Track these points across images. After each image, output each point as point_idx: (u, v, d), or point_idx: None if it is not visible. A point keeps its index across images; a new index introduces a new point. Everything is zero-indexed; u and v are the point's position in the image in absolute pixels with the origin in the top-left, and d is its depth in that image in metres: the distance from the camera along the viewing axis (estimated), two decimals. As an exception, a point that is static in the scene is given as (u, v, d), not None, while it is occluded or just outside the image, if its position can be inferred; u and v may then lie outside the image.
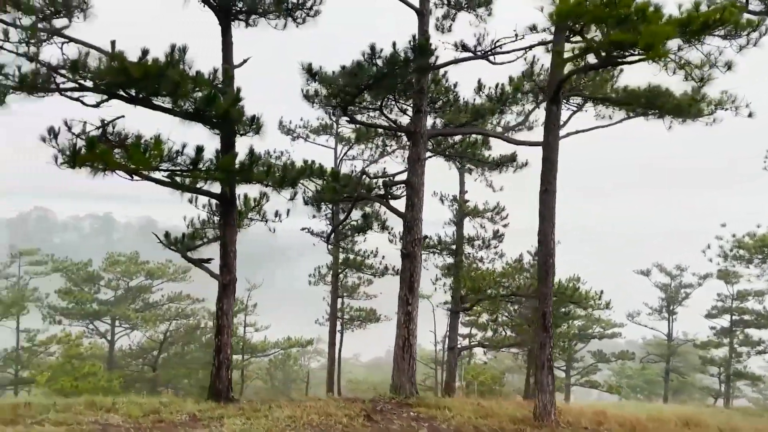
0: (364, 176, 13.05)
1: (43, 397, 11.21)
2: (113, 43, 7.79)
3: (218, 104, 8.64)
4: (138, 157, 7.76)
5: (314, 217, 28.02)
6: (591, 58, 10.58)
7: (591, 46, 8.27)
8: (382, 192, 13.99)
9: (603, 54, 8.23)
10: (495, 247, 24.60)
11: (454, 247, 24.60)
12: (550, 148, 10.10)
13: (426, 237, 20.56)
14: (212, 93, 8.49)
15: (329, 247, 26.42)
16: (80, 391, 29.72)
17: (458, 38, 13.19)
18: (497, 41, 12.20)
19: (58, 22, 9.10)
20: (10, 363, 33.96)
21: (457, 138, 17.84)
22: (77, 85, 8.77)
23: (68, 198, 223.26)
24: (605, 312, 30.90)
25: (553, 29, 11.24)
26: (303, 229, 24.51)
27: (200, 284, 43.16)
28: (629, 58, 7.99)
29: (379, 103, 12.90)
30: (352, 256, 24.41)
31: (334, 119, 26.55)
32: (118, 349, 40.00)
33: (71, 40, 9.28)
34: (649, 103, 10.45)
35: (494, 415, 10.75)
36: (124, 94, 8.97)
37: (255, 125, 9.58)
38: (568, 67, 10.25)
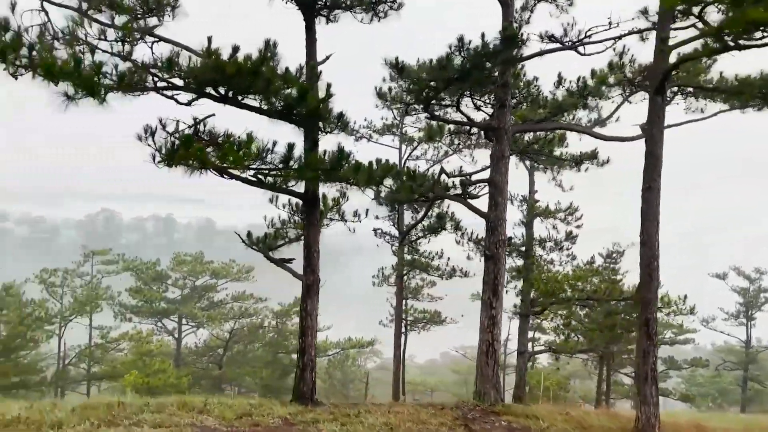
0: (442, 175, 12.60)
1: (133, 396, 11.30)
2: (210, 38, 7.67)
3: (310, 101, 8.41)
4: (233, 156, 7.61)
5: (378, 217, 27.97)
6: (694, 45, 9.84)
7: (709, 30, 7.59)
8: (459, 191, 13.54)
9: (725, 38, 7.53)
10: (567, 249, 23.68)
11: (523, 248, 23.84)
12: (654, 141, 9.41)
13: (511, 238, 19.97)
14: (304, 90, 8.26)
15: (393, 248, 26.12)
16: (151, 387, 30.63)
17: (536, 30, 12.65)
18: (588, 30, 11.55)
19: (149, 22, 9.10)
20: (84, 359, 35.25)
21: (531, 135, 17.20)
22: (168, 84, 8.72)
23: (132, 200, 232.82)
24: (686, 318, 29.33)
25: (652, 16, 10.56)
26: (376, 230, 24.32)
27: (263, 284, 43.89)
28: (765, 40, 7.25)
29: (456, 99, 12.47)
30: (417, 258, 24.00)
31: (398, 119, 26.27)
32: (185, 346, 41.05)
33: (161, 39, 9.27)
34: (765, 93, 9.55)
35: (590, 428, 10.13)
36: (215, 93, 8.87)
37: (341, 122, 9.31)
38: (672, 56, 9.53)
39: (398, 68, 9.77)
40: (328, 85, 8.70)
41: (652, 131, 9.47)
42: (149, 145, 7.89)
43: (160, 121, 8.09)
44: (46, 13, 8.37)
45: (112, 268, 40.64)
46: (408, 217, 25.55)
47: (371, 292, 37.54)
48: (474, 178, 14.23)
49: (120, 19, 8.74)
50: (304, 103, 8.49)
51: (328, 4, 10.62)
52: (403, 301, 26.02)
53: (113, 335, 35.45)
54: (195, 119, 8.44)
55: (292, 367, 38.55)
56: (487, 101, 13.89)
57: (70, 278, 35.76)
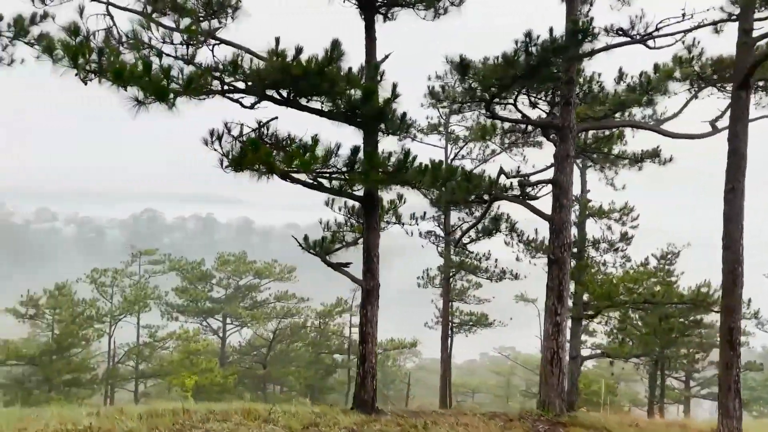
0: (501, 175, 12.18)
1: (195, 402, 11.25)
2: (278, 39, 7.46)
3: (375, 102, 8.14)
4: (300, 160, 7.39)
5: (423, 218, 27.58)
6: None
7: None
8: (516, 192, 13.09)
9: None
10: (622, 251, 22.87)
11: (575, 250, 23.13)
12: (738, 139, 8.83)
13: (574, 240, 19.36)
14: (370, 91, 7.98)
15: (439, 249, 25.75)
16: (199, 386, 31.01)
17: (597, 24, 12.10)
18: (660, 23, 10.96)
19: (211, 24, 8.97)
20: (132, 357, 35.92)
21: (590, 132, 16.61)
22: (229, 87, 8.58)
23: (175, 200, 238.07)
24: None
25: (729, 6, 9.93)
26: (429, 232, 24.03)
27: (305, 283, 44.01)
28: None
29: (514, 97, 12.04)
30: (465, 259, 23.55)
31: (444, 118, 25.86)
32: (228, 345, 41.51)
33: (222, 41, 9.13)
34: None
35: (668, 442, 9.58)
36: (277, 96, 8.69)
37: (404, 124, 9.01)
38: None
39: (462, 66, 9.41)
40: (394, 85, 8.41)
41: (736, 128, 8.88)
42: (215, 150, 7.74)
43: (226, 125, 7.94)
44: (111, 17, 8.32)
45: (159, 268, 41.29)
46: (453, 217, 25.17)
47: (412, 293, 37.20)
48: (533, 178, 13.71)
49: (183, 22, 8.63)
50: (369, 104, 8.21)
51: (387, 1, 10.34)
52: (450, 303, 25.56)
53: (161, 334, 36.02)
54: (259, 122, 8.27)
55: (334, 368, 38.60)
56: (544, 98, 13.43)
57: (119, 278, 36.48)
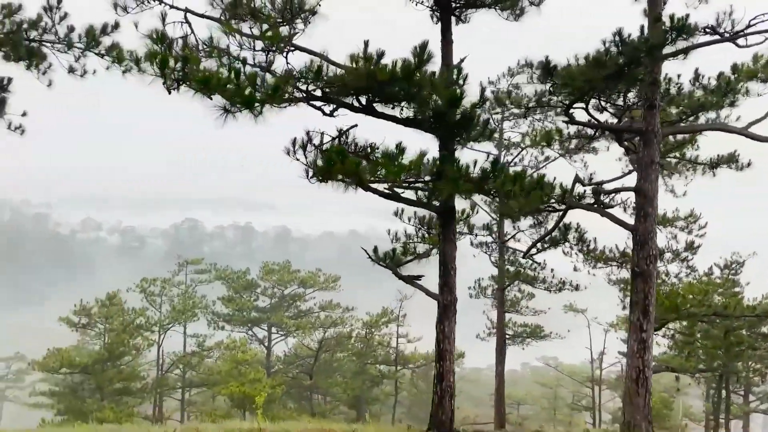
0: (576, 183, 11.57)
1: (264, 419, 10.94)
2: (366, 42, 7.11)
3: (460, 108, 7.70)
4: (388, 169, 7.00)
5: (474, 227, 26.99)
6: None
7: None
8: (590, 201, 12.44)
9: None
10: (688, 260, 21.82)
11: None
12: None
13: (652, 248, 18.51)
14: (456, 96, 7.55)
15: (492, 258, 25.08)
16: (248, 397, 30.92)
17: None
18: (753, 19, 10.25)
19: (285, 30, 8.69)
20: (179, 366, 36.19)
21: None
22: (309, 95, 8.26)
23: (213, 209, 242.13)
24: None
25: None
26: (482, 243, 23.46)
27: (347, 292, 43.75)
28: None
29: (587, 101, 11.43)
30: (521, 269, 22.84)
31: (498, 123, 25.22)
32: (273, 355, 41.50)
33: (297, 47, 8.84)
34: None
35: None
36: (355, 103, 8.34)
37: (487, 130, 8.53)
38: None
39: (547, 68, 8.89)
40: (482, 90, 7.98)
41: None
42: (297, 159, 7.41)
43: (308, 133, 7.61)
44: (189, 25, 8.10)
45: (205, 277, 41.64)
46: (507, 226, 24.50)
47: (460, 303, 36.48)
48: (607, 186, 13.04)
49: (259, 29, 8.37)
50: (455, 110, 7.77)
51: (462, 3, 9.92)
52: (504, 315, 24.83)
53: (208, 344, 36.19)
54: (339, 130, 7.92)
55: (380, 378, 38.08)
56: (613, 102, 12.78)
57: (167, 287, 36.85)
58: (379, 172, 7.26)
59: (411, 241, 11.17)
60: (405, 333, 35.26)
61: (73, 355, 31.08)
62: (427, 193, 9.04)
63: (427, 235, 10.98)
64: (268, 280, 41.94)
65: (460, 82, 8.48)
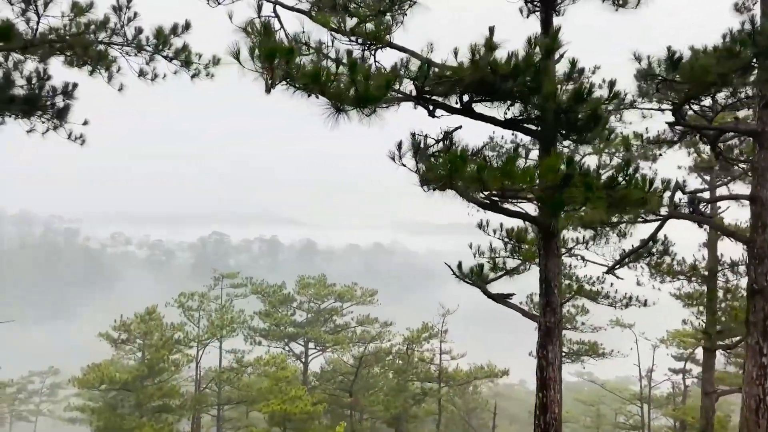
0: (677, 191, 10.55)
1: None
2: (492, 29, 6.25)
3: (583, 105, 6.79)
4: (516, 175, 6.12)
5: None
6: None
7: None
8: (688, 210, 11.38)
9: None
10: (764, 273, 20.40)
11: (705, 273, 20.89)
12: None
13: (704, 261, 17.30)
14: (583, 91, 6.64)
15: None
16: (288, 414, 30.10)
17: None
18: None
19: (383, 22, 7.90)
20: (218, 382, 35.51)
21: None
22: (401, 95, 7.43)
23: (239, 223, 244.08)
24: None
25: None
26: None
27: (384, 307, 42.79)
28: None
29: (683, 99, 10.41)
30: (585, 285, 21.66)
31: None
32: (310, 371, 40.65)
33: (390, 44, 8.04)
34: None
35: None
36: (454, 103, 7.49)
37: (606, 130, 7.59)
38: None
39: (673, 60, 7.93)
40: (611, 83, 7.04)
41: None
42: (404, 165, 6.57)
43: (413, 135, 6.77)
44: (278, 18, 7.36)
45: (240, 291, 41.08)
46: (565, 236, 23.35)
47: (504, 317, 35.31)
48: (701, 194, 11.94)
49: (351, 23, 7.59)
50: (577, 108, 6.86)
51: (568, -6, 9.04)
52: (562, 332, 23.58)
53: (247, 359, 35.49)
54: (445, 132, 7.07)
55: (421, 396, 36.87)
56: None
57: (206, 302, 36.35)
58: (505, 181, 6.36)
59: (497, 255, 10.22)
60: (448, 349, 34.12)
61: (112, 371, 30.61)
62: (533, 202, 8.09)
63: (516, 249, 10.02)
64: (305, 294, 41.26)
65: (575, 76, 7.60)
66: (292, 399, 30.26)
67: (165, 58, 9.73)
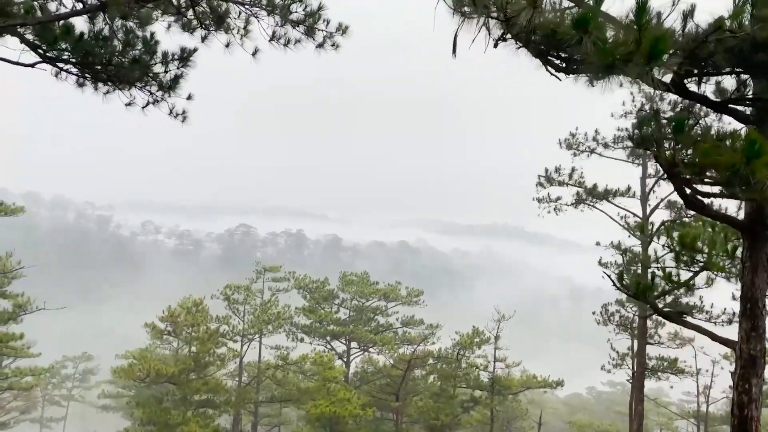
0: None
1: None
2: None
3: None
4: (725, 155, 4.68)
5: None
6: None
7: None
8: None
9: None
10: None
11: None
12: None
13: None
14: None
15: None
16: (336, 417, 28.92)
17: None
18: None
19: None
20: (262, 379, 34.55)
21: None
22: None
23: (266, 216, 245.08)
24: None
25: None
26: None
27: (432, 309, 41.36)
28: None
29: None
30: (676, 297, 19.96)
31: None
32: (353, 372, 39.48)
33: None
34: None
35: None
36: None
37: None
38: None
39: None
40: None
41: None
42: (648, 150, 5.16)
43: (657, 112, 5.34)
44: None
45: (283, 285, 40.03)
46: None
47: (527, 319, 33.65)
48: None
49: None
50: None
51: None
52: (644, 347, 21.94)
53: (292, 356, 34.44)
54: (689, 109, 5.64)
55: (470, 403, 35.41)
56: None
57: (251, 295, 35.38)
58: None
59: (664, 266, 8.72)
60: (504, 357, 32.59)
61: (159, 363, 29.77)
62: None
63: (692, 260, 8.52)
64: (348, 291, 40.10)
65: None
66: (341, 401, 29.10)
67: (291, 22, 8.45)
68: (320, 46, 8.78)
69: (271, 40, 8.00)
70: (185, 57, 8.17)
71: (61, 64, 8.51)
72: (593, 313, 24.43)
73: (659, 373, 23.71)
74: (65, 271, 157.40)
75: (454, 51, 5.45)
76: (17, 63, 7.81)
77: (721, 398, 39.99)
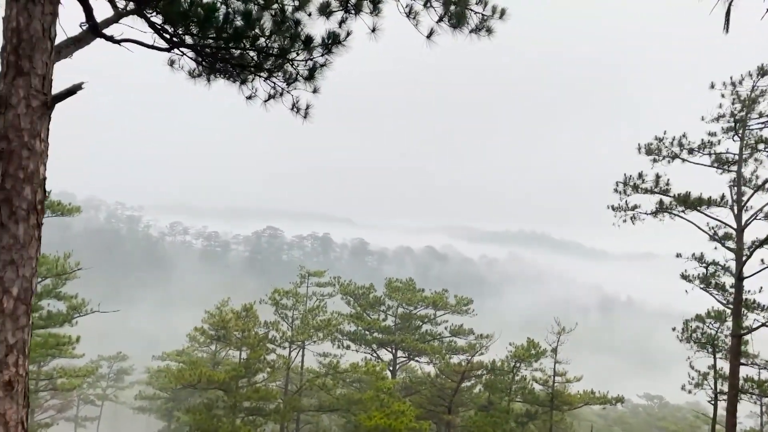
0: None
1: None
2: None
3: None
4: None
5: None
6: None
7: None
8: None
9: None
10: None
11: None
12: None
13: None
14: None
15: (722, 298, 20.90)
16: (393, 430, 27.86)
17: None
18: None
19: None
20: (312, 387, 33.65)
21: None
22: None
23: (293, 220, 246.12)
24: None
25: None
26: (706, 275, 19.40)
27: (483, 319, 40.09)
28: None
29: None
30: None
31: (728, 132, 21.19)
32: (400, 381, 38.42)
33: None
34: None
35: None
36: None
37: None
38: None
39: None
40: None
41: None
42: None
43: None
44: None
45: (327, 291, 39.17)
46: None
47: (596, 337, 32.12)
48: None
49: None
50: None
51: None
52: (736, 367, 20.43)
53: (333, 363, 33.51)
54: None
55: (525, 418, 34.06)
56: None
57: (300, 301, 34.59)
58: None
59: None
60: (564, 371, 31.18)
61: (209, 369, 29.10)
62: None
63: None
64: (395, 299, 39.12)
65: None
66: (395, 413, 28.04)
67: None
68: (476, 31, 7.79)
69: (439, 20, 6.99)
70: (333, 42, 7.23)
71: (185, 50, 7.67)
72: (673, 329, 23.01)
73: (743, 395, 22.15)
74: (96, 272, 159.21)
75: (726, 27, 4.42)
76: (153, 47, 6.95)
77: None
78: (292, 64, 7.62)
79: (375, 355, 38.65)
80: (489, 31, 7.85)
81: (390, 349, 38.69)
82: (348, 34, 7.10)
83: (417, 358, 39.59)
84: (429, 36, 6.90)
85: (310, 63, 7.70)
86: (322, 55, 7.45)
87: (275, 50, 7.01)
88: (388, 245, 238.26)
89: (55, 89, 4.74)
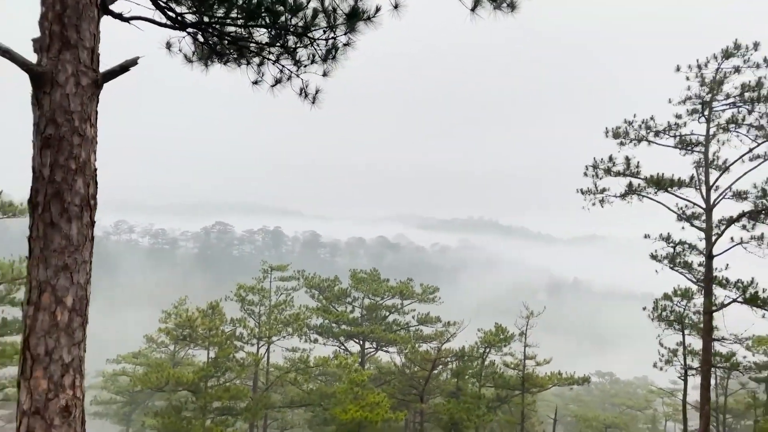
0: None
1: None
2: None
3: None
4: None
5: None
6: None
7: None
8: None
9: None
10: None
11: None
12: None
13: None
14: None
15: (695, 276, 21.52)
16: (368, 422, 27.62)
17: None
18: None
19: None
20: (284, 383, 32.99)
21: None
22: None
23: (243, 214, 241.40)
24: None
25: None
26: (677, 254, 19.88)
27: (441, 306, 40.21)
28: None
29: None
30: (744, 290, 19.17)
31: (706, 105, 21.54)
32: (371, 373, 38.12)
33: None
34: None
35: None
36: None
37: None
38: None
39: None
40: None
41: None
42: None
43: None
44: None
45: (291, 285, 38.42)
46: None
47: (546, 318, 32.88)
48: None
49: None
50: None
51: None
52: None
53: (310, 359, 32.92)
54: None
55: (497, 402, 34.39)
56: None
57: (266, 296, 33.74)
58: None
59: None
60: (534, 354, 31.62)
61: (178, 371, 28.00)
62: None
63: None
64: (360, 290, 38.76)
65: None
66: (370, 405, 27.79)
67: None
68: (498, 6, 7.43)
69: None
70: (356, 20, 6.73)
71: (191, 30, 7.02)
72: (644, 309, 23.57)
73: (714, 369, 22.99)
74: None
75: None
76: (162, 24, 6.28)
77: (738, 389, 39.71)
78: (312, 43, 7.08)
79: (343, 347, 38.24)
80: (512, 6, 7.52)
81: (358, 341, 38.36)
82: (377, 9, 6.61)
83: (385, 349, 39.44)
84: (473, 9, 6.48)
85: (330, 42, 7.18)
86: (345, 34, 6.95)
87: (299, 29, 6.45)
88: (340, 237, 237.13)
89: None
